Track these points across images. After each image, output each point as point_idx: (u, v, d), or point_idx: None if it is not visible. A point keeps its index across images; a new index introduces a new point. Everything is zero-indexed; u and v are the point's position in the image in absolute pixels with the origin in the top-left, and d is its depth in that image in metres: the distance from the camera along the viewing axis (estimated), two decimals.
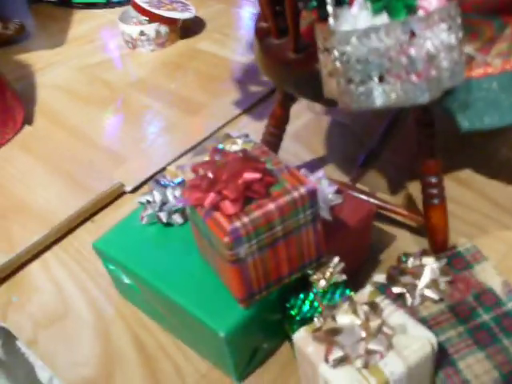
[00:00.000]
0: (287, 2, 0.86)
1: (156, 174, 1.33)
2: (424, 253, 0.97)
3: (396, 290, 0.94)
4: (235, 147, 1.06)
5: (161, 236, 1.00)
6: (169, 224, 1.01)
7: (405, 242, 1.12)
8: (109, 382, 0.98)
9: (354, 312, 0.82)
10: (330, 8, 0.70)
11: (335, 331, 0.81)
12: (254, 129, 1.42)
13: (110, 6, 2.05)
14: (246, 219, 0.78)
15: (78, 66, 1.75)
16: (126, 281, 1.01)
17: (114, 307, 1.09)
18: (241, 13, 1.97)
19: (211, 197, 0.80)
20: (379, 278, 0.98)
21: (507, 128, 1.33)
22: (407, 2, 0.70)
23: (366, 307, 0.83)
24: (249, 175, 0.80)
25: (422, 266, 0.95)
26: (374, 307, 0.83)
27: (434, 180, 0.99)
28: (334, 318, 0.83)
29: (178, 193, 1.02)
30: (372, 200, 1.06)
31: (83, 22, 2.02)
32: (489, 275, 0.97)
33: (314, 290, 0.91)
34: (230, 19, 1.93)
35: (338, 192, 1.00)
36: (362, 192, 1.08)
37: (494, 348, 0.88)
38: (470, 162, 1.28)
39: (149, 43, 1.75)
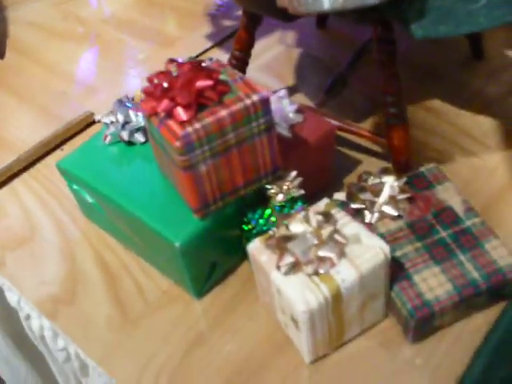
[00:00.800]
0: None
1: None
2: (384, 171, 0.97)
3: (354, 205, 0.95)
4: None
5: (123, 155, 1.00)
6: (131, 143, 1.01)
7: (370, 166, 1.12)
8: (73, 299, 0.99)
9: (308, 221, 0.83)
10: None
11: (287, 238, 0.81)
12: (226, 60, 1.41)
13: None
14: (197, 125, 0.78)
15: (52, 3, 1.72)
16: (90, 200, 1.02)
17: (79, 229, 1.10)
18: None
19: (164, 103, 0.80)
20: (339, 195, 0.98)
21: (480, 59, 1.33)
22: None
23: (319, 216, 0.83)
24: (201, 83, 0.80)
25: (381, 184, 0.95)
26: (327, 216, 0.84)
27: (394, 99, 0.99)
28: (287, 228, 0.83)
29: (140, 112, 1.02)
30: (333, 121, 1.05)
31: None
32: (449, 194, 0.97)
33: (272, 205, 0.91)
34: None
35: (298, 111, 0.99)
36: (324, 114, 1.08)
37: (450, 263, 0.89)
38: (441, 92, 1.27)
39: None
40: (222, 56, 1.41)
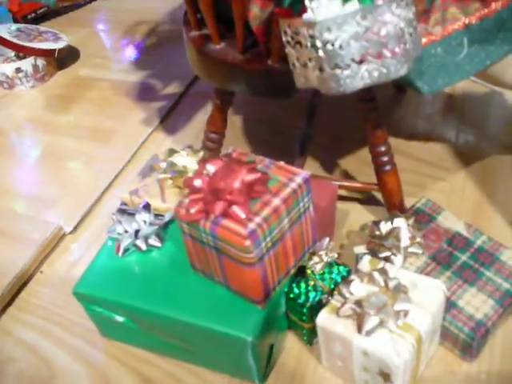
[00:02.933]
0: (235, 7, 0.88)
1: (92, 206, 1.29)
2: (393, 216, 1.04)
3: (384, 254, 1.00)
4: (192, 159, 1.06)
5: (143, 264, 0.98)
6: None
7: (358, 213, 1.19)
8: None
9: (369, 281, 0.87)
10: (307, 1, 0.74)
11: (360, 303, 0.85)
12: (174, 141, 1.41)
13: None
14: (258, 219, 0.80)
15: None
16: (120, 319, 0.97)
17: (101, 351, 1.04)
18: (109, 33, 1.93)
19: (220, 205, 0.80)
20: (360, 249, 1.03)
21: (404, 92, 1.47)
22: None
23: (377, 274, 0.88)
24: (249, 177, 0.81)
25: (396, 228, 1.02)
26: (384, 272, 0.89)
27: (383, 148, 1.07)
28: (351, 293, 0.87)
29: (146, 217, 1.00)
30: (333, 182, 1.11)
31: None
32: (451, 221, 1.07)
33: (313, 275, 0.94)
34: (101, 42, 1.88)
35: None
36: (318, 177, 1.13)
37: (481, 281, 0.97)
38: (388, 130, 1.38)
39: (27, 80, 1.65)
40: (166, 137, 1.41)
